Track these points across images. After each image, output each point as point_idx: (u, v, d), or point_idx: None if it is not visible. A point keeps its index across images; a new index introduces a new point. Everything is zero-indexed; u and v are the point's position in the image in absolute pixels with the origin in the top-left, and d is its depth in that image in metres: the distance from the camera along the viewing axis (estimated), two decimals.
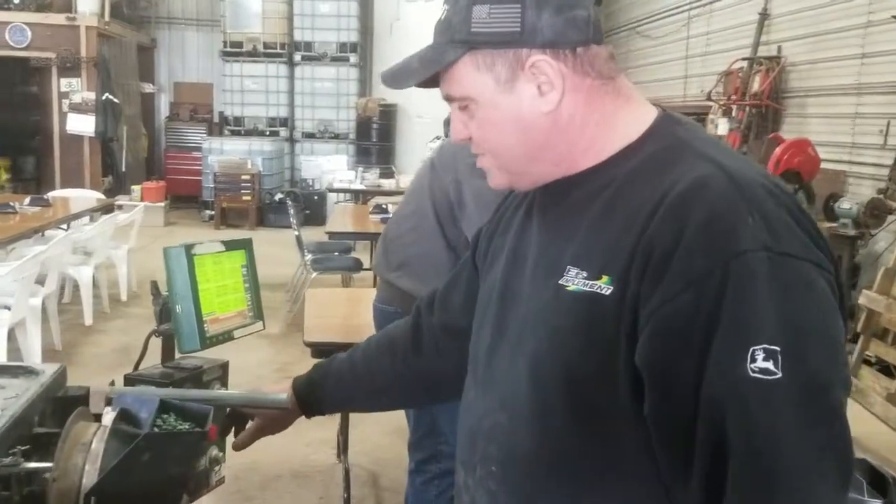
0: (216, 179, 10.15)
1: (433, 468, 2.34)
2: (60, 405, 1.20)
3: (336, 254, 6.18)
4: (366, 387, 1.33)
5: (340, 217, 6.73)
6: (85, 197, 6.99)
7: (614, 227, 0.87)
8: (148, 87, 12.22)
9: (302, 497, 3.29)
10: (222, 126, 11.77)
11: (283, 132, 11.34)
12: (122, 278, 6.09)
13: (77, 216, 6.06)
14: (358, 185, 8.69)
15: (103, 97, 9.78)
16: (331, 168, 10.52)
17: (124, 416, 1.09)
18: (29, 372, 1.23)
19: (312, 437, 3.65)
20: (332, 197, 10.10)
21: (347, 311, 3.22)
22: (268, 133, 11.22)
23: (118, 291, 6.11)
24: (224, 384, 1.45)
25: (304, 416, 1.35)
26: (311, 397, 1.33)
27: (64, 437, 1.02)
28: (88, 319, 5.51)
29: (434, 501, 2.32)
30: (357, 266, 5.81)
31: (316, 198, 10.53)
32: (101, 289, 5.90)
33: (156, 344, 1.36)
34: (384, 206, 5.93)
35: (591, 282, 0.87)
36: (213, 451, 1.41)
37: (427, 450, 2.35)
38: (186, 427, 1.06)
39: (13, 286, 4.00)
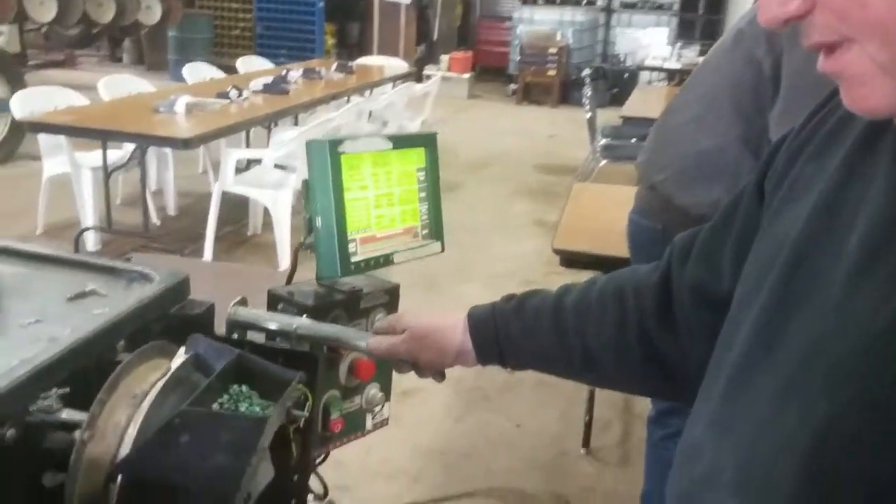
0: (522, 51, 9.86)
1: (675, 422, 1.90)
2: (175, 324, 1.01)
3: (633, 140, 5.63)
4: (568, 350, 0.92)
5: (641, 99, 6.11)
6: (390, 65, 7.10)
7: None
8: None
9: (540, 409, 3.05)
10: None
11: (601, 1, 10.61)
12: None
13: (376, 84, 6.16)
14: (673, 64, 7.87)
15: None
16: (648, 43, 9.65)
17: (196, 363, 0.85)
18: (143, 277, 1.05)
19: None
20: (644, 76, 9.34)
21: (612, 216, 2.79)
22: (583, 2, 10.58)
23: None
24: (392, 313, 1.17)
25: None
26: (486, 343, 0.97)
27: (111, 383, 0.79)
28: None
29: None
30: None
31: (626, 75, 9.79)
32: None
33: None
34: None
35: None
36: (371, 391, 1.17)
37: None
38: (259, 407, 0.79)
39: (301, 150, 4.12)
